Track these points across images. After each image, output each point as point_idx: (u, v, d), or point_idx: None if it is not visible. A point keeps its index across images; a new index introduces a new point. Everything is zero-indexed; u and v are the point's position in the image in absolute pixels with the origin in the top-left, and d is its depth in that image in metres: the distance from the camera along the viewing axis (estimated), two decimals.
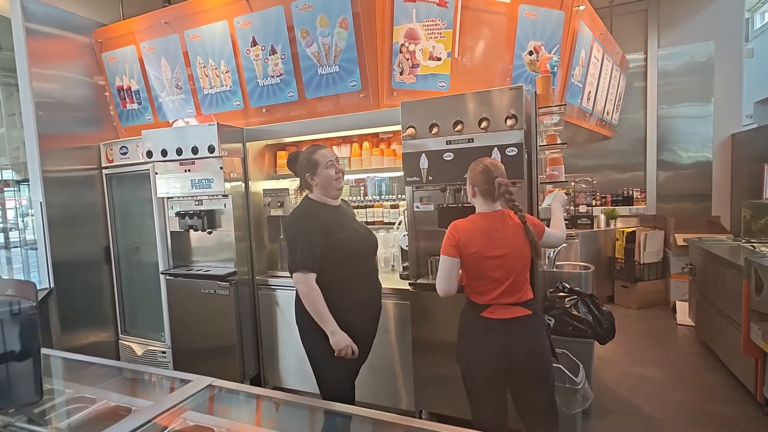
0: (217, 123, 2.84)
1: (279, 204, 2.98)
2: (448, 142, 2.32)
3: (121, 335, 3.59)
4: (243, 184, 3.05)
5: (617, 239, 4.79)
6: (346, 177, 3.62)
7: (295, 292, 1.97)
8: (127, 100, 3.61)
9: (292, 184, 3.31)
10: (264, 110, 3.06)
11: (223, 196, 2.94)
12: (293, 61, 2.83)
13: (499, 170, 1.79)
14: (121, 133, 3.74)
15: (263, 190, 3.07)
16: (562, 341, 2.56)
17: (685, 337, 3.91)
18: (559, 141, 2.52)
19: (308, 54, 2.75)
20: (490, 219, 1.79)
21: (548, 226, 1.98)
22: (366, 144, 3.06)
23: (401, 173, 2.60)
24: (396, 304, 2.64)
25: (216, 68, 3.12)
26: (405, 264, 2.83)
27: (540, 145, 2.39)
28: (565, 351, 2.53)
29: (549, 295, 2.78)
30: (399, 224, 3.10)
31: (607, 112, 4.50)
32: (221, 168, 2.85)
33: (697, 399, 2.84)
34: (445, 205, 2.39)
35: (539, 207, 2.35)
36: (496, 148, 2.21)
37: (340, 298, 1.90)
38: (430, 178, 2.38)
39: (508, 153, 2.18)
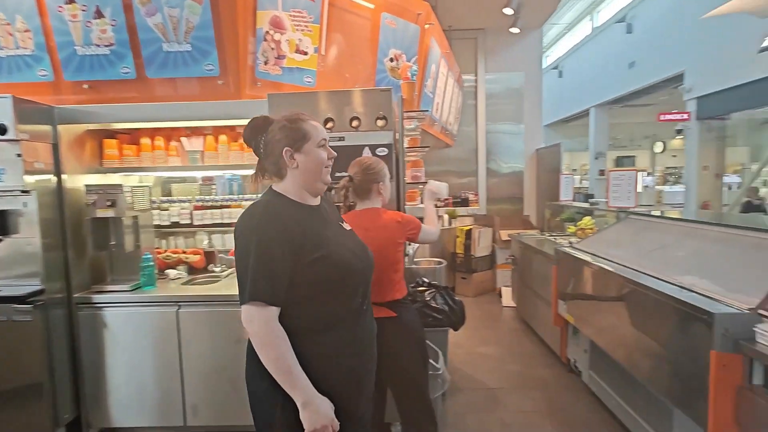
0: (13, 96, 2.16)
1: (109, 203, 2.43)
2: None
3: None
4: (54, 178, 2.39)
5: (458, 236, 5.45)
6: (194, 174, 3.23)
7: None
8: None
9: (125, 179, 2.75)
10: (86, 86, 2.47)
11: (22, 192, 2.24)
12: (129, 31, 2.35)
13: (359, 166, 1.83)
14: None
15: (85, 186, 2.46)
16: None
17: (509, 317, 4.68)
18: (419, 145, 2.70)
19: (150, 25, 2.32)
20: (358, 216, 1.82)
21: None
22: (223, 137, 2.74)
23: None
24: None
25: (9, 24, 2.38)
26: None
27: (406, 148, 2.52)
28: (426, 341, 2.72)
29: (411, 290, 2.96)
30: None
31: (450, 123, 5.08)
32: (19, 156, 2.18)
33: (523, 367, 3.41)
34: None
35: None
36: (367, 147, 2.23)
37: (314, 352, 1.20)
38: None
39: (378, 153, 2.23)
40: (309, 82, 2.65)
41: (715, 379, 1.61)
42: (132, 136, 2.82)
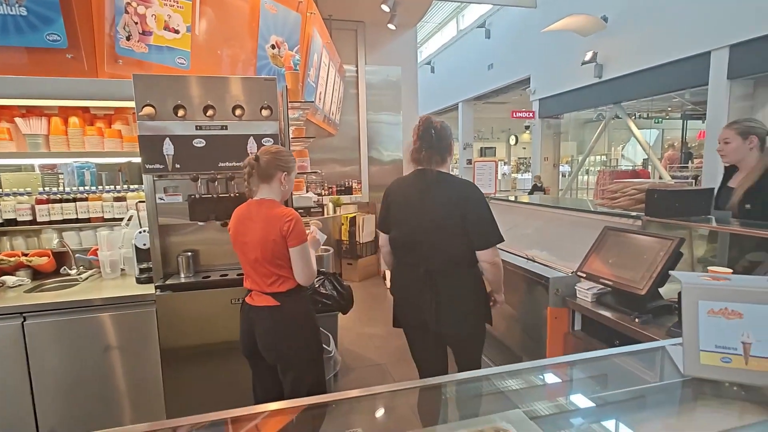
0: None
1: None
2: (198, 128, 2.12)
3: None
4: None
5: (342, 224, 5.60)
6: (30, 161, 2.76)
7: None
8: None
9: None
10: None
11: None
12: None
13: (268, 150, 1.79)
14: None
15: None
16: None
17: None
18: (305, 135, 2.72)
19: None
20: (252, 205, 1.80)
21: None
22: (74, 120, 2.38)
23: (129, 159, 2.18)
24: (135, 314, 2.22)
25: None
26: (143, 266, 2.42)
27: (291, 138, 2.52)
28: (317, 329, 2.80)
29: None
30: (129, 220, 2.60)
31: (332, 113, 5.14)
32: None
33: (405, 342, 3.72)
34: (197, 196, 2.19)
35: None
36: (252, 138, 2.18)
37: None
38: (178, 165, 2.11)
39: (264, 143, 2.20)
40: (182, 63, 2.45)
41: (549, 328, 2.03)
42: None
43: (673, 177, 8.08)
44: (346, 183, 6.02)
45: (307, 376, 1.87)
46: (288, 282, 1.80)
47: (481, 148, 17.28)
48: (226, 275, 2.31)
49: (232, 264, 2.46)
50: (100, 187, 2.74)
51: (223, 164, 2.16)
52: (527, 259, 2.42)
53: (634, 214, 2.18)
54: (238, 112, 2.15)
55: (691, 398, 0.87)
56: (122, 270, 2.60)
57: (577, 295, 1.98)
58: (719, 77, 5.92)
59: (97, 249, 2.57)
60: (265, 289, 1.78)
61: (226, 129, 2.15)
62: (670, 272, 1.37)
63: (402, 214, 1.92)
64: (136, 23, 2.23)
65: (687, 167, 8.74)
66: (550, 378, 1.11)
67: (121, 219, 2.69)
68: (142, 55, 2.29)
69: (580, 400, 1.00)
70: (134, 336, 2.24)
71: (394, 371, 3.18)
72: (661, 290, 1.74)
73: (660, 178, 8.05)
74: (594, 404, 0.95)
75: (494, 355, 2.85)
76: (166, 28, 2.35)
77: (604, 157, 12.67)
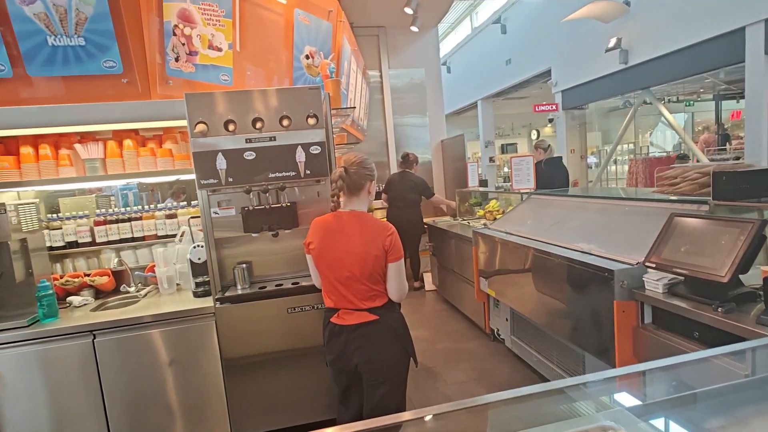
0: None
1: None
2: (248, 140, 2.16)
3: None
4: None
5: None
6: (85, 185, 2.82)
7: None
8: None
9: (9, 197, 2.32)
10: None
11: None
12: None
13: (353, 160, 1.72)
14: None
15: None
16: None
17: (432, 299, 4.98)
18: (346, 141, 2.74)
19: (29, 15, 1.97)
20: (341, 218, 1.73)
21: None
22: (128, 142, 2.46)
23: (178, 176, 2.24)
24: (196, 328, 2.27)
25: None
26: (199, 279, 2.47)
27: (336, 145, 2.54)
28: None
29: None
30: (182, 235, 2.67)
31: (360, 118, 5.16)
32: None
33: (452, 343, 3.69)
34: (250, 208, 2.23)
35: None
36: (300, 147, 2.21)
37: None
38: (231, 179, 2.16)
39: (312, 151, 2.22)
40: (226, 80, 2.51)
41: (617, 323, 1.96)
42: (4, 145, 2.38)
43: (711, 161, 7.75)
44: (378, 187, 6.02)
45: (399, 390, 1.79)
46: (382, 297, 1.73)
47: (503, 144, 17.06)
48: (281, 285, 2.34)
49: (284, 273, 2.49)
50: (152, 206, 2.82)
51: (273, 175, 2.19)
52: (582, 252, 2.35)
53: (697, 198, 2.09)
54: (285, 122, 2.18)
55: None
56: (177, 285, 2.67)
57: (646, 287, 1.91)
58: (756, 53, 5.66)
59: (154, 266, 2.65)
60: (359, 305, 1.69)
61: (275, 140, 2.18)
62: None
63: (396, 186, 5.09)
64: (183, 44, 2.29)
65: (725, 149, 8.37)
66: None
67: (174, 235, 2.77)
68: (190, 74, 2.35)
69: None
70: (196, 349, 2.29)
71: (444, 374, 3.15)
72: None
73: (697, 161, 7.75)
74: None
75: (552, 356, 2.78)
76: (210, 46, 2.41)
77: (631, 146, 12.28)
